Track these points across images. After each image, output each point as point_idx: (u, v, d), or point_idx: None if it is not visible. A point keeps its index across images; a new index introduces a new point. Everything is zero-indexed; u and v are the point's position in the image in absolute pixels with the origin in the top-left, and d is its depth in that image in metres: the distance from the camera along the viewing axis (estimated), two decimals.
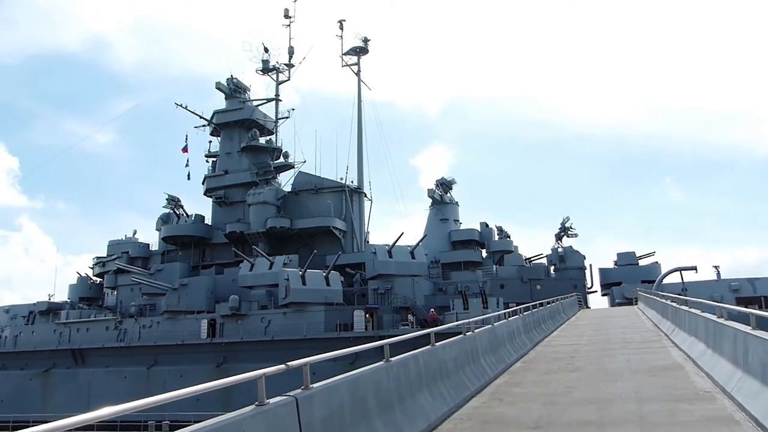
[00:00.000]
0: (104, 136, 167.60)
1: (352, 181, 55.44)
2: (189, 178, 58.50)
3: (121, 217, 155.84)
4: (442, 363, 8.43)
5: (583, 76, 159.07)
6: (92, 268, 60.59)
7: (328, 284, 41.65)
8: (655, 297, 24.17)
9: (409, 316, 39.47)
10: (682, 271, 41.50)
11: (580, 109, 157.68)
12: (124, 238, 60.36)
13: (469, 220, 63.00)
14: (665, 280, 41.84)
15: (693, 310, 12.21)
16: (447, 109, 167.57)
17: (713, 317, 9.68)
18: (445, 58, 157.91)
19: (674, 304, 15.67)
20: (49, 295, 59.24)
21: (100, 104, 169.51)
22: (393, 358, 6.88)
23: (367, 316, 39.82)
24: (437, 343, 8.44)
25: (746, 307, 11.53)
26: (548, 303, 23.00)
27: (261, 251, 47.44)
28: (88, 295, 58.49)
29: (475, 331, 10.62)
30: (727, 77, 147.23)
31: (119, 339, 46.54)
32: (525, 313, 16.59)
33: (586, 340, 16.61)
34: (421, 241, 44.95)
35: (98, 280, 59.42)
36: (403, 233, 43.79)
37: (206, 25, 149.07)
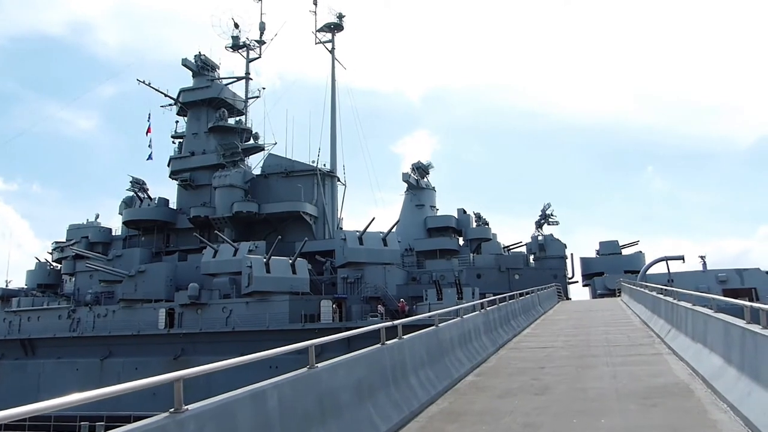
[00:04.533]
0: (86, 121, 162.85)
1: (324, 165, 52.66)
2: (150, 158, 55.30)
3: (102, 202, 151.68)
4: (328, 395, 5.31)
5: (568, 65, 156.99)
6: (51, 254, 57.26)
7: (294, 272, 39.35)
8: (642, 289, 21.47)
9: (380, 307, 37.00)
10: (668, 261, 39.32)
11: (564, 98, 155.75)
12: (85, 222, 57.11)
13: (448, 207, 60.40)
14: (649, 271, 39.74)
15: (700, 309, 9.34)
16: (430, 96, 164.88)
17: (740, 322, 6.67)
18: (429, 45, 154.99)
19: (670, 299, 12.71)
20: (6, 281, 56.18)
21: (82, 88, 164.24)
22: (192, 406, 3.65)
23: (334, 306, 37.37)
24: (320, 364, 5.29)
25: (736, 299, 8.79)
26: (521, 295, 20.20)
27: (226, 237, 44.64)
28: (46, 281, 55.50)
29: (405, 337, 7.61)
30: (713, 68, 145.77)
31: (72, 329, 43.89)
32: (490, 308, 13.61)
33: (562, 342, 13.79)
34: (393, 226, 42.17)
35: (57, 266, 56.17)
36: (374, 218, 41.10)
37: (190, 7, 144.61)
